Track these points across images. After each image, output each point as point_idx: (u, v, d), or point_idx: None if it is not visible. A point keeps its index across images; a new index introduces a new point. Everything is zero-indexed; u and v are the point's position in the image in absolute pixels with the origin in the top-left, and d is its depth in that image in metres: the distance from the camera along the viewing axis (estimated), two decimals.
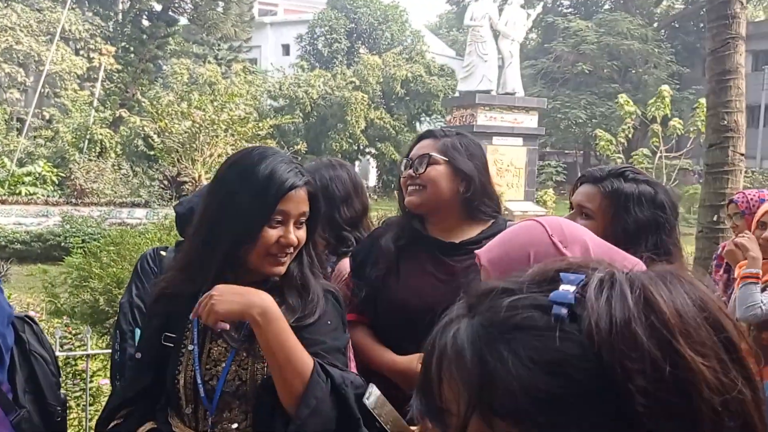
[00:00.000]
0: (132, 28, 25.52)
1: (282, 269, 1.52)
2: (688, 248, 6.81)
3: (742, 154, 5.45)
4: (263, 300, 1.41)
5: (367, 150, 26.59)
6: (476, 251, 1.20)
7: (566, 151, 32.03)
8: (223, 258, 1.48)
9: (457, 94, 20.75)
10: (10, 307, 2.10)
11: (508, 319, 0.57)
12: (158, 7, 25.33)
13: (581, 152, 30.77)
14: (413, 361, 1.84)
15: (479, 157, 1.97)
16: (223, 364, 1.49)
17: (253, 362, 1.49)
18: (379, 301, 1.98)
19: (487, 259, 1.17)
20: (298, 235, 1.52)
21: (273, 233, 1.48)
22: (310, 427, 1.38)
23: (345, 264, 2.25)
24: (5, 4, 23.42)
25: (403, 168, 2.03)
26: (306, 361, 1.43)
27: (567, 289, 0.58)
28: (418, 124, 28.19)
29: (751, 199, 3.51)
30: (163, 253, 2.49)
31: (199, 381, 1.47)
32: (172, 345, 1.51)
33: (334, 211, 2.32)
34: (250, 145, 16.43)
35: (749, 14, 32.56)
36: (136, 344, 1.63)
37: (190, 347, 1.50)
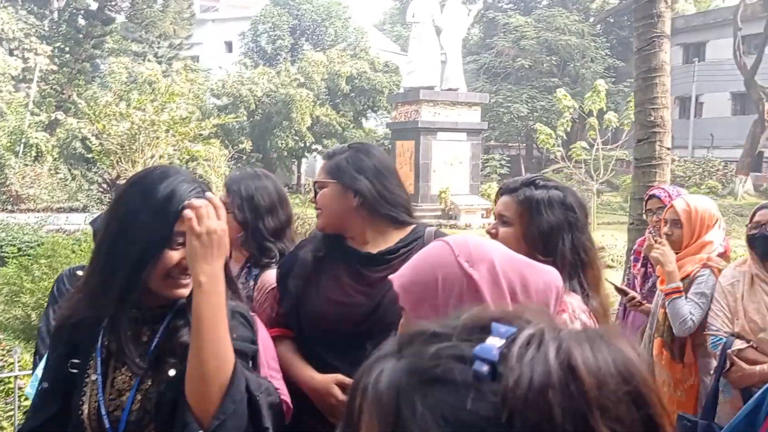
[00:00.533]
0: (67, 28, 24.74)
1: (184, 291, 1.45)
2: (624, 238, 7.07)
3: (669, 148, 5.64)
4: (216, 270, 1.37)
5: (313, 147, 26.50)
6: (390, 276, 1.22)
7: (510, 144, 32.61)
8: (124, 282, 1.41)
9: (401, 90, 20.92)
10: None
11: (429, 369, 0.56)
12: (94, 6, 24.64)
13: (524, 145, 31.39)
14: (329, 382, 1.91)
15: (370, 168, 2.02)
16: (128, 394, 1.44)
17: (157, 391, 1.43)
18: (299, 312, 2.02)
19: (399, 284, 1.18)
20: None
21: (173, 255, 1.42)
22: None
23: (268, 276, 2.26)
24: None
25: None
26: (230, 356, 1.37)
27: (493, 343, 0.56)
28: (364, 120, 28.26)
29: (671, 194, 3.59)
30: (79, 272, 2.41)
31: (103, 412, 1.42)
32: (76, 371, 1.47)
33: (258, 221, 2.34)
34: (192, 145, 16.11)
35: (680, 8, 33.75)
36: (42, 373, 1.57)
37: (93, 377, 1.45)
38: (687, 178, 23.83)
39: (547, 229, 1.78)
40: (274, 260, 2.33)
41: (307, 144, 25.82)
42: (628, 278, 4.36)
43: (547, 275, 1.20)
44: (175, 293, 1.46)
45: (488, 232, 1.91)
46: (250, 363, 1.54)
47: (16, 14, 24.18)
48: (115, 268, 1.42)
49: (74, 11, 24.99)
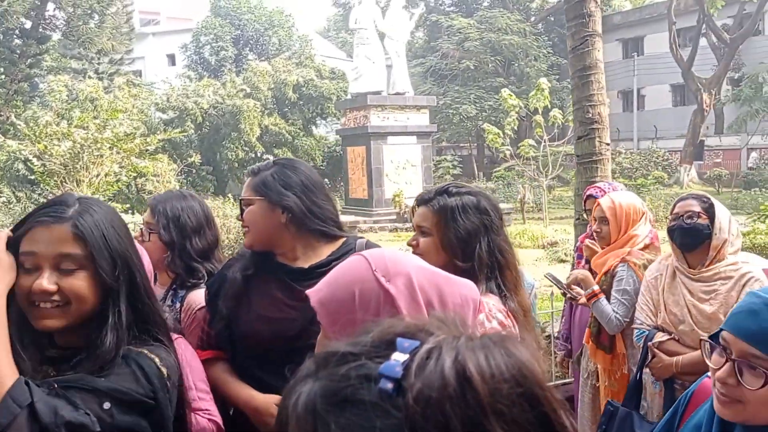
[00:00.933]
0: (1, 48, 23.95)
1: (51, 322, 1.34)
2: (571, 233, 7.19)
3: (608, 144, 5.77)
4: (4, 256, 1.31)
5: (264, 157, 26.16)
6: (307, 291, 1.21)
7: (461, 145, 32.92)
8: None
9: (349, 97, 20.92)
10: None
11: (340, 391, 0.60)
12: (28, 25, 23.91)
13: (475, 145, 31.74)
14: (270, 402, 1.88)
15: (297, 183, 2.01)
16: None
17: None
18: (232, 334, 2.00)
19: (316, 300, 1.18)
20: (62, 282, 1.33)
21: (25, 281, 1.33)
22: None
23: (195, 296, 2.23)
24: None
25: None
26: (9, 373, 1.24)
27: (398, 359, 0.60)
28: (313, 127, 28.14)
29: (606, 190, 3.71)
30: None
31: None
32: None
33: (185, 241, 2.31)
34: (139, 161, 15.76)
35: (617, 4, 34.66)
36: None
37: None
38: (634, 170, 24.45)
39: (464, 234, 1.82)
40: (201, 281, 2.29)
41: (258, 154, 25.55)
42: None
43: (464, 288, 1.21)
44: (41, 324, 1.35)
45: (409, 245, 1.94)
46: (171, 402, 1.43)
47: None
48: None
49: (7, 30, 24.22)
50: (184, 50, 32.64)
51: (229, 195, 16.92)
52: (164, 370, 1.40)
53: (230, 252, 7.62)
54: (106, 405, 1.29)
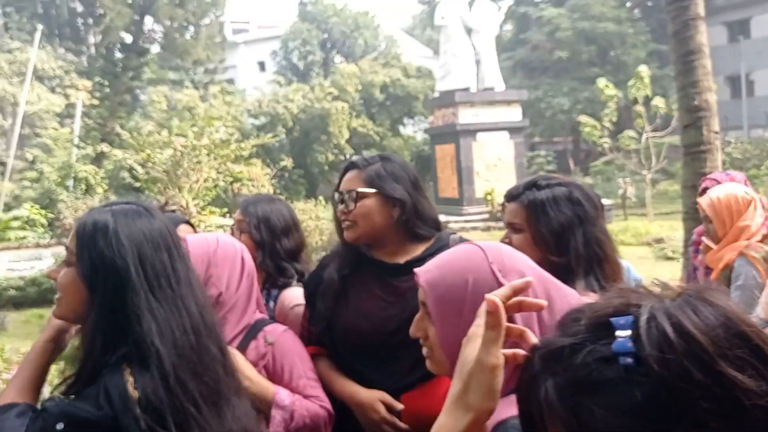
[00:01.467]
0: (105, 62, 25.33)
1: (55, 312, 1.48)
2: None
3: (717, 132, 5.49)
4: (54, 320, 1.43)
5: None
6: (415, 269, 1.21)
7: (555, 140, 31.97)
8: None
9: (437, 95, 20.68)
10: None
11: (586, 377, 0.68)
12: (128, 39, 25.15)
13: (570, 139, 30.72)
14: (374, 398, 1.90)
15: (407, 179, 2.01)
16: None
17: None
18: (333, 330, 2.02)
19: (425, 280, 1.18)
20: (60, 274, 1.42)
21: None
22: None
23: (289, 294, 2.30)
24: None
25: (336, 202, 2.06)
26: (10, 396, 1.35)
27: (622, 336, 0.68)
28: (401, 127, 28.15)
29: (721, 182, 3.52)
30: None
31: None
32: None
33: (275, 241, 2.38)
34: (234, 167, 16.25)
35: None
36: None
37: None
38: (746, 160, 22.84)
39: (557, 227, 1.76)
40: (291, 279, 2.37)
41: (347, 156, 25.81)
42: (688, 270, 4.29)
43: (572, 298, 1.21)
44: None
45: (501, 243, 1.78)
46: None
47: (54, 52, 24.81)
48: None
49: (110, 45, 25.58)
50: (274, 56, 33.45)
51: (320, 197, 17.09)
52: (135, 393, 1.26)
53: (324, 254, 7.61)
54: (59, 426, 1.25)
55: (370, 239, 2.02)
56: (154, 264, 1.34)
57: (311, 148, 24.83)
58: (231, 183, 17.83)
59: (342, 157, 25.53)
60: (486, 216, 17.32)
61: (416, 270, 1.20)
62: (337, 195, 2.03)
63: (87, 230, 1.37)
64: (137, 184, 18.00)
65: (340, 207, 2.01)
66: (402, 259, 1.99)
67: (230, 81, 32.78)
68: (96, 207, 1.45)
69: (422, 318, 1.19)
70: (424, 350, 1.21)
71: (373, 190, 1.97)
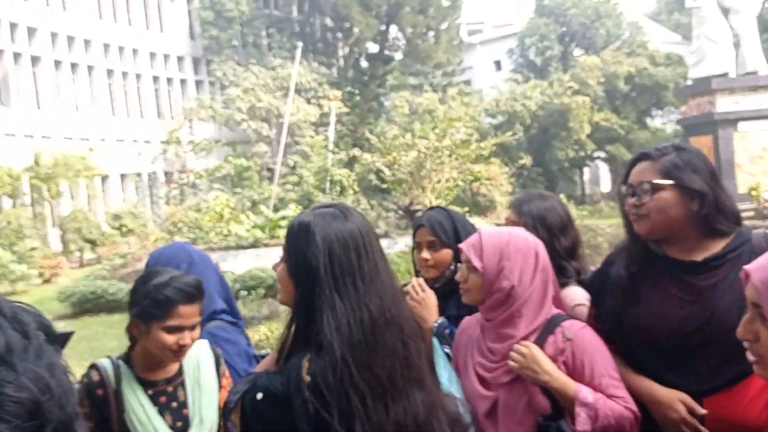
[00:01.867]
0: (354, 72, 27.36)
1: None
2: None
3: None
4: None
5: (595, 155, 25.48)
6: (745, 267, 1.13)
7: None
8: None
9: (689, 82, 19.04)
10: (250, 346, 2.35)
11: None
12: (374, 49, 26.88)
13: None
14: (674, 397, 1.80)
15: (705, 170, 1.86)
16: None
17: None
18: (622, 329, 1.94)
19: (759, 279, 1.09)
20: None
21: None
22: None
23: (569, 293, 2.19)
24: (245, 69, 26.54)
25: (624, 195, 1.95)
26: None
27: None
28: (649, 119, 26.39)
29: None
30: None
31: None
32: None
33: (553, 240, 2.27)
34: (474, 166, 16.59)
35: None
36: None
37: None
38: None
39: None
40: (571, 279, 2.27)
41: (588, 152, 24.88)
42: None
43: None
44: None
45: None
46: None
47: (308, 66, 27.47)
48: None
49: (358, 56, 27.57)
50: (510, 54, 33.37)
51: (561, 196, 16.75)
52: (307, 378, 1.42)
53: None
54: (259, 395, 1.45)
55: (663, 234, 1.89)
56: (341, 263, 1.45)
57: (550, 145, 24.38)
58: (471, 182, 18.22)
59: (582, 153, 24.69)
60: (751, 213, 15.56)
61: (747, 267, 1.12)
62: (626, 188, 1.92)
63: (293, 231, 1.52)
64: (384, 186, 19.24)
65: (631, 200, 1.89)
66: (699, 257, 1.85)
67: (467, 82, 33.41)
68: (305, 210, 1.61)
69: (752, 319, 1.12)
70: (750, 355, 1.16)
71: (670, 182, 1.83)
